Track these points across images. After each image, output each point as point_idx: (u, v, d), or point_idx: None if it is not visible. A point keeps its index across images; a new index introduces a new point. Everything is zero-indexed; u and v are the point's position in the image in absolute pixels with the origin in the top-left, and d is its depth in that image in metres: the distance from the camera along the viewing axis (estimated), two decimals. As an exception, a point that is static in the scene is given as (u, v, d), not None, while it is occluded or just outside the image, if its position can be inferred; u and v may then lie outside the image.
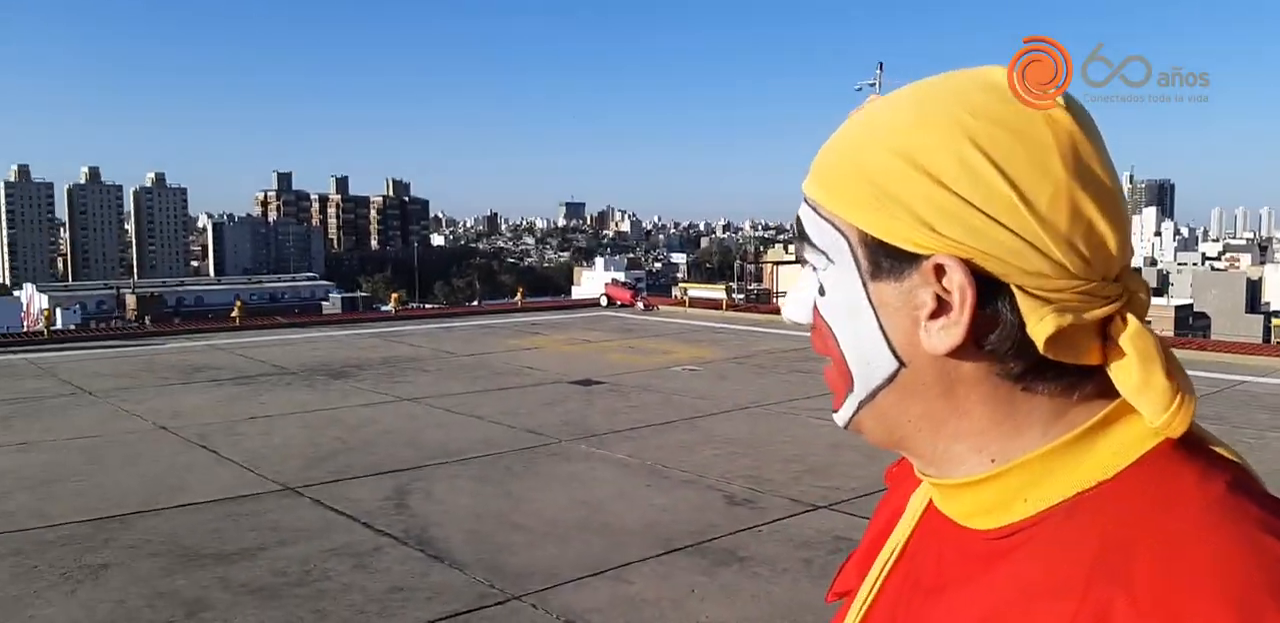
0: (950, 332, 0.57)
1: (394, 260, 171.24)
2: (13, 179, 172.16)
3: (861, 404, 0.64)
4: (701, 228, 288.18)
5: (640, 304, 20.91)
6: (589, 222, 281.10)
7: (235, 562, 4.96)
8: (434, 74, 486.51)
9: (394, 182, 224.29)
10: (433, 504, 6.03)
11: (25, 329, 25.29)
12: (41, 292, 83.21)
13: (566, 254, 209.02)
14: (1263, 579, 0.47)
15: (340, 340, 15.05)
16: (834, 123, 0.67)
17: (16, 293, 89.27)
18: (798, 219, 0.66)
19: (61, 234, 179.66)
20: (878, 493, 1.05)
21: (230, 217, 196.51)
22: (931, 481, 0.65)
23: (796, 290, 0.68)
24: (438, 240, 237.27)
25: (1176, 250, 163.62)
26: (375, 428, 8.33)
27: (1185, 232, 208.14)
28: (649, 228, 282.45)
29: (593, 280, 48.48)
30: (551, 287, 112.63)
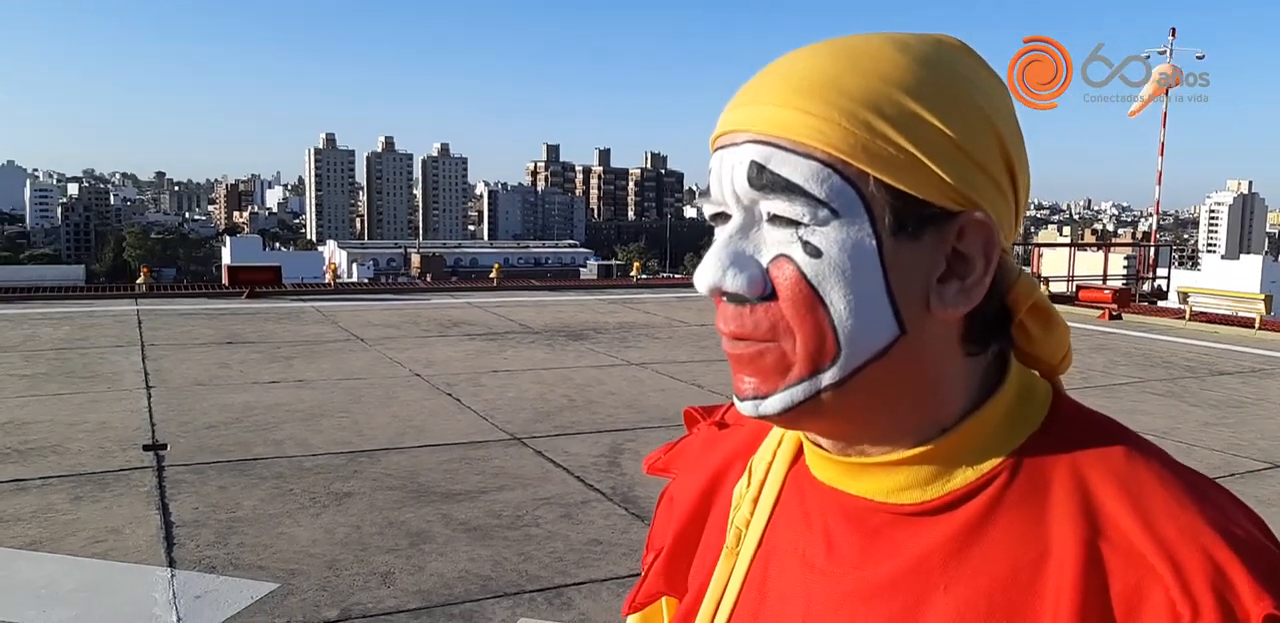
0: (972, 294, 0.57)
1: (649, 231, 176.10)
2: (321, 147, 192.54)
3: (832, 384, 0.56)
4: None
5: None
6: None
7: (459, 501, 5.37)
8: (698, 47, 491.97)
9: (652, 154, 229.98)
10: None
11: (326, 280, 28.32)
12: (341, 248, 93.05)
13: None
14: (1186, 476, 0.57)
15: (584, 304, 15.73)
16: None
17: (321, 248, 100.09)
18: (755, 164, 0.55)
19: (360, 197, 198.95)
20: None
21: (503, 185, 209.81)
22: (855, 461, 0.61)
23: (731, 253, 0.56)
24: (690, 213, 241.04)
25: None
26: (601, 389, 8.67)
27: None
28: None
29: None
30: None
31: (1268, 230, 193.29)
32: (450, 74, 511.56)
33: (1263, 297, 15.02)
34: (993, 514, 0.56)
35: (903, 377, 0.57)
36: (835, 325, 0.55)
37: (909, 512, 0.59)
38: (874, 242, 0.54)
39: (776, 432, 0.71)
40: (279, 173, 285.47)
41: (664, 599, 0.77)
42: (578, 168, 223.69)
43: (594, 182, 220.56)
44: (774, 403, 0.57)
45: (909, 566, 0.57)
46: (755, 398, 0.57)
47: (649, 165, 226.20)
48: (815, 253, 0.54)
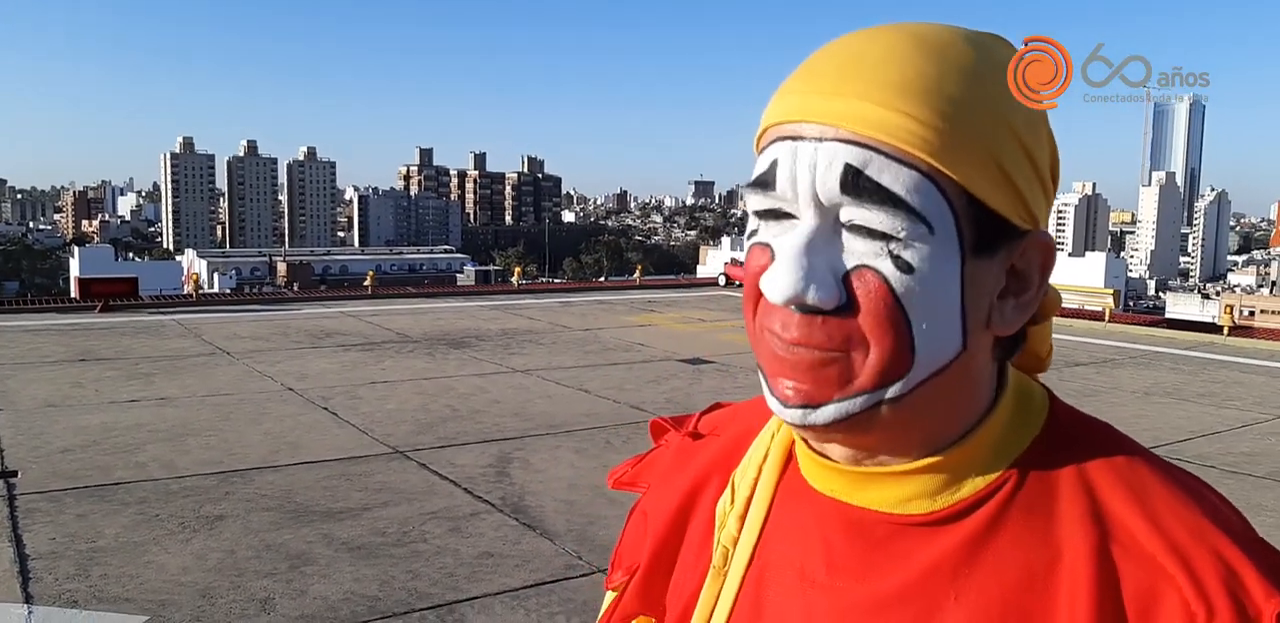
0: (1028, 309, 0.57)
1: (526, 236, 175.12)
2: (178, 151, 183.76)
3: (893, 398, 0.54)
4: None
5: (761, 284, 20.72)
6: (718, 200, 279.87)
7: (341, 519, 5.18)
8: (570, 54, 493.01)
9: (529, 159, 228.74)
10: (531, 474, 6.14)
11: (187, 291, 27.00)
12: (201, 257, 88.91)
13: (694, 233, 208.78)
14: (1181, 477, 0.57)
15: (464, 311, 15.49)
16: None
17: (179, 258, 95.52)
18: (851, 168, 0.51)
19: (221, 203, 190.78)
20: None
21: (375, 190, 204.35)
22: (863, 471, 0.59)
23: (811, 262, 0.52)
24: (568, 217, 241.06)
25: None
26: (485, 397, 8.53)
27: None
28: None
29: (718, 260, 48.25)
30: (678, 265, 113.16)
31: (1110, 229, 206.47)
32: (317, 75, 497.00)
33: (1111, 292, 16.03)
34: (1001, 521, 0.56)
35: (952, 390, 0.56)
36: (915, 341, 0.53)
37: (917, 522, 0.57)
38: (959, 259, 0.53)
39: (761, 444, 0.68)
40: (132, 179, 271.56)
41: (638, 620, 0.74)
42: (453, 172, 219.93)
43: (469, 186, 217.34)
44: (828, 413, 0.54)
45: (918, 576, 0.56)
46: (805, 406, 0.54)
47: (526, 169, 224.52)
48: (907, 268, 0.52)
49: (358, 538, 4.88)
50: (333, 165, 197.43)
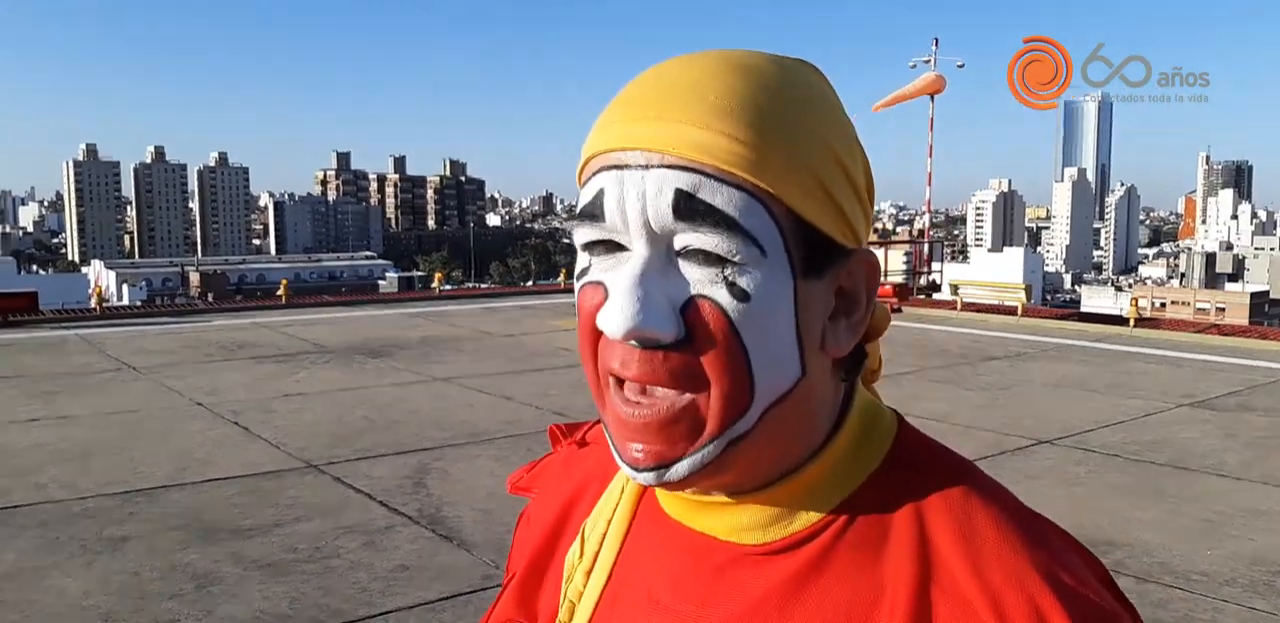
0: (857, 329, 0.56)
1: (451, 240, 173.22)
2: (81, 158, 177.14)
3: (741, 435, 0.52)
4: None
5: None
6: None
7: (250, 537, 5.03)
8: (491, 57, 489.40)
9: (451, 161, 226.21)
10: (450, 484, 6.05)
11: (92, 305, 25.99)
12: (109, 268, 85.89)
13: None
14: (1023, 518, 0.55)
15: (384, 319, 15.22)
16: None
17: (85, 269, 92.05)
18: (682, 192, 0.50)
19: (128, 212, 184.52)
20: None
21: (291, 196, 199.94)
22: (698, 498, 0.58)
23: (648, 293, 0.50)
24: (494, 220, 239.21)
25: (1253, 234, 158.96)
26: (404, 408, 8.39)
27: (1263, 215, 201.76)
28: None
29: (643, 261, 48.42)
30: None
31: (1026, 225, 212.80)
32: (227, 79, 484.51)
33: (1023, 286, 16.50)
34: (830, 556, 0.55)
35: (794, 416, 0.55)
36: (754, 373, 0.51)
37: (751, 552, 0.57)
38: (791, 282, 0.52)
39: (611, 495, 0.67)
40: (33, 188, 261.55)
41: None
42: (372, 176, 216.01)
43: (390, 190, 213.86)
44: (682, 469, 0.53)
45: (749, 606, 0.56)
46: (659, 467, 0.53)
47: (448, 172, 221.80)
48: (742, 296, 0.50)
49: (268, 556, 4.75)
50: (246, 171, 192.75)
